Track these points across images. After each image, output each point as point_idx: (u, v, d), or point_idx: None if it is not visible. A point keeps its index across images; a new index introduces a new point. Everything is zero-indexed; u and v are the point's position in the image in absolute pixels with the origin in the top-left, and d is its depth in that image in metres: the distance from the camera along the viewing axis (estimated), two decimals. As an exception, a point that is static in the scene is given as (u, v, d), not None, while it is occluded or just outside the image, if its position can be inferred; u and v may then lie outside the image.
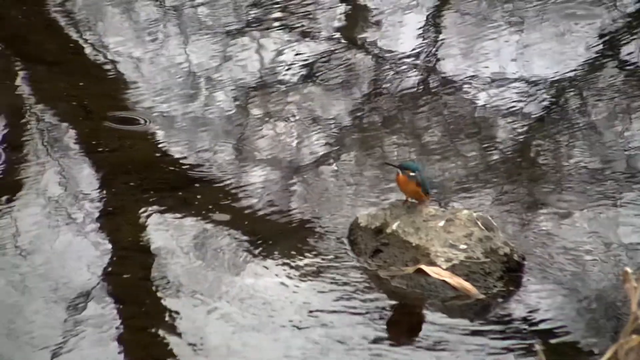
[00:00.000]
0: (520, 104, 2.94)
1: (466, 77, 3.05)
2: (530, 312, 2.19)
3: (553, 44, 3.21)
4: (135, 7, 3.31)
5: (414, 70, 3.08)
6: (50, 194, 2.48)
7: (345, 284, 2.23)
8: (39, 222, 2.37)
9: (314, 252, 2.32)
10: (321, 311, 2.15)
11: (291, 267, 2.27)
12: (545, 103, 2.96)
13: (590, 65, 3.12)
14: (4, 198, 2.44)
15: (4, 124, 2.71)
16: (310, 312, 2.14)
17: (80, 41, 3.13)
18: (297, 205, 2.50)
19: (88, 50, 3.09)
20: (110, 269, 2.25)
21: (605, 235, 2.40)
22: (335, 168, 2.65)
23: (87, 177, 2.55)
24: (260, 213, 2.45)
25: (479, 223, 2.31)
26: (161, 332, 2.08)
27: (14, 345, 2.02)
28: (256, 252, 2.32)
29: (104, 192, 2.50)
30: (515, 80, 3.05)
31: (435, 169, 2.65)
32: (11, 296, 2.14)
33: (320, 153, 2.71)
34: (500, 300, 2.22)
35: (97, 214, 2.41)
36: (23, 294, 2.15)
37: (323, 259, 2.30)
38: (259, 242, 2.35)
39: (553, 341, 2.12)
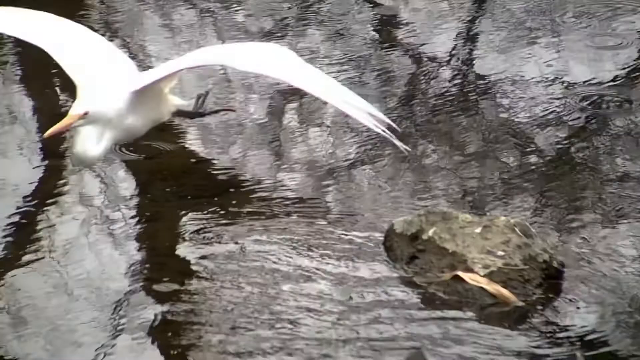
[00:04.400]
0: (558, 109, 2.91)
1: (502, 83, 3.03)
2: (570, 319, 2.16)
3: (591, 49, 3.17)
4: (172, 13, 3.35)
5: (450, 75, 3.07)
6: (89, 200, 2.51)
7: (381, 290, 2.23)
8: (78, 227, 2.40)
9: (350, 258, 2.32)
10: (357, 317, 2.14)
11: (327, 273, 2.27)
12: (584, 108, 2.92)
13: (629, 69, 3.08)
14: (44, 204, 2.48)
15: (43, 133, 2.75)
16: (347, 318, 2.14)
17: (118, 47, 3.16)
18: (331, 211, 2.50)
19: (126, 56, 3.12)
20: (148, 274, 2.27)
21: (647, 242, 2.36)
22: (370, 174, 2.65)
23: (125, 184, 2.58)
24: (295, 218, 2.46)
25: (516, 230, 2.28)
26: (199, 338, 2.10)
27: (57, 346, 2.05)
28: (292, 258, 2.32)
29: (142, 198, 2.52)
30: (553, 85, 3.02)
31: (473, 176, 2.63)
32: (52, 300, 2.17)
33: (355, 158, 2.71)
34: (539, 307, 2.19)
35: (135, 220, 2.44)
36: (63, 298, 2.18)
37: (359, 265, 2.30)
38: (295, 247, 2.35)
39: (593, 349, 2.08)
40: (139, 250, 2.34)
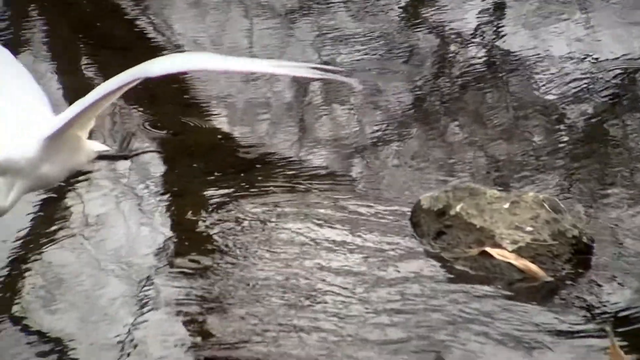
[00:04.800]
0: (588, 85, 2.87)
1: (531, 57, 2.99)
2: (599, 294, 2.14)
3: (621, 24, 3.12)
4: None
5: (477, 51, 3.04)
6: (117, 175, 2.53)
7: (408, 265, 2.22)
8: (107, 203, 2.42)
9: (377, 234, 2.32)
10: (383, 293, 2.14)
11: (353, 248, 2.27)
12: (614, 84, 2.88)
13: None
14: (74, 180, 2.50)
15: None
16: (373, 293, 2.14)
17: (146, 26, 3.18)
18: (358, 187, 2.50)
19: (153, 34, 3.14)
20: (175, 249, 2.28)
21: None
22: (397, 150, 2.64)
23: (151, 160, 2.60)
24: (321, 194, 2.46)
25: (545, 205, 2.26)
26: (225, 313, 2.11)
27: (89, 321, 2.08)
28: (317, 233, 2.32)
29: (169, 174, 2.54)
30: (582, 60, 2.98)
31: (500, 152, 2.61)
32: (83, 275, 2.20)
33: (381, 135, 2.70)
34: (568, 282, 2.17)
35: (162, 196, 2.45)
36: (93, 273, 2.21)
37: (386, 241, 2.30)
38: (320, 223, 2.35)
39: (624, 325, 2.07)
40: (166, 225, 2.36)
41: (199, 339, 2.03)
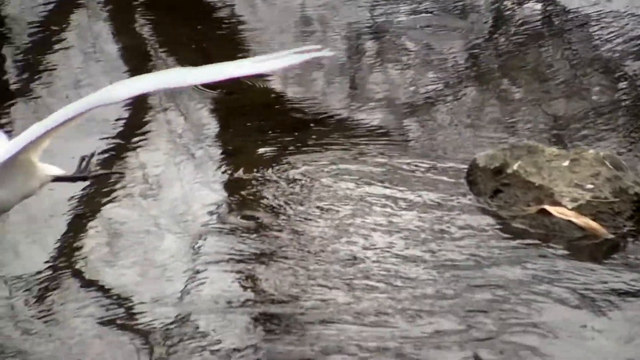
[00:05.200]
0: (651, 40, 2.78)
1: (591, 14, 2.90)
2: (663, 253, 2.09)
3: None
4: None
5: (535, 6, 2.96)
6: (173, 135, 2.55)
7: (465, 223, 2.20)
8: (164, 162, 2.45)
9: (432, 192, 2.29)
10: (441, 251, 2.12)
11: (408, 207, 2.25)
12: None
13: None
14: (132, 140, 2.53)
15: (127, 69, 2.80)
16: (429, 252, 2.12)
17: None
18: (412, 146, 2.47)
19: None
20: (230, 207, 2.30)
21: None
22: (452, 108, 2.60)
23: (207, 119, 2.61)
24: (376, 153, 2.44)
25: (606, 162, 2.21)
26: (279, 268, 2.12)
27: (149, 277, 2.11)
28: (372, 192, 2.31)
29: (223, 133, 2.55)
30: (645, 16, 2.87)
31: (559, 110, 2.55)
32: (141, 233, 2.23)
33: (436, 93, 2.66)
34: (630, 239, 2.12)
35: (217, 155, 2.47)
36: (152, 230, 2.24)
37: (442, 199, 2.27)
38: (374, 182, 2.34)
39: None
40: (221, 183, 2.38)
41: (252, 295, 2.05)
